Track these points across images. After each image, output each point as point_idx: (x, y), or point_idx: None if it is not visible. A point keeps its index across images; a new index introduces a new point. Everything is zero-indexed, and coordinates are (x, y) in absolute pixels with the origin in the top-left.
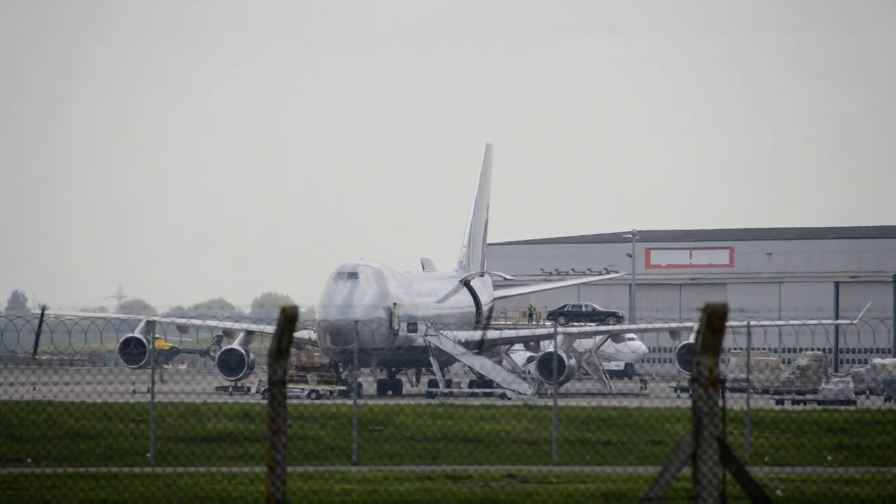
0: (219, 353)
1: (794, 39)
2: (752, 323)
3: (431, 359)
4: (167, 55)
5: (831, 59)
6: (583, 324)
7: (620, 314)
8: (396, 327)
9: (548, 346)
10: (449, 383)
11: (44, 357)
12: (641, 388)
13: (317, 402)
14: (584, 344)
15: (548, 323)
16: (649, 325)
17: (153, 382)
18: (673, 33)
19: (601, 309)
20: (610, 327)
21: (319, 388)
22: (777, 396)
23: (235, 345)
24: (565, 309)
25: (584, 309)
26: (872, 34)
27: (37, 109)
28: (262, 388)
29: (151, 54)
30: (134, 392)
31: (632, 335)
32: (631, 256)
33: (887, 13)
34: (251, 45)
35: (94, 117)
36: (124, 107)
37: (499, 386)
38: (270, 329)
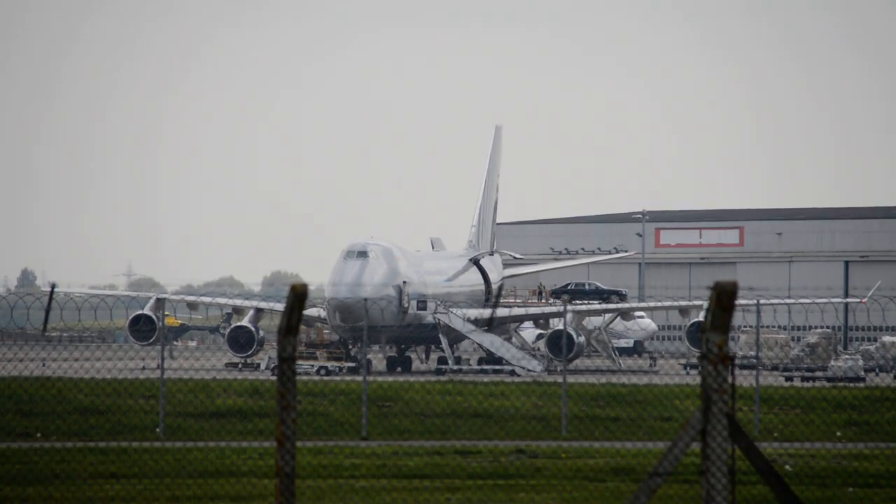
0: (228, 331)
1: (804, 18)
2: (762, 301)
3: (441, 336)
4: (173, 26)
5: (837, 37)
6: (586, 302)
7: (624, 292)
8: (406, 305)
9: (557, 324)
10: (458, 360)
11: (53, 334)
12: (651, 365)
13: (326, 378)
14: (593, 322)
15: (551, 301)
16: (659, 303)
17: (163, 359)
18: (684, 11)
19: (604, 287)
20: (619, 305)
21: (329, 364)
22: (786, 373)
23: (245, 322)
24: (568, 287)
25: (587, 287)
26: (876, 10)
27: (44, 88)
28: (272, 365)
29: (156, 27)
30: (143, 368)
31: (641, 313)
32: (641, 236)
33: None
34: (262, 19)
35: (103, 96)
36: (133, 85)
37: (508, 363)
38: (280, 307)
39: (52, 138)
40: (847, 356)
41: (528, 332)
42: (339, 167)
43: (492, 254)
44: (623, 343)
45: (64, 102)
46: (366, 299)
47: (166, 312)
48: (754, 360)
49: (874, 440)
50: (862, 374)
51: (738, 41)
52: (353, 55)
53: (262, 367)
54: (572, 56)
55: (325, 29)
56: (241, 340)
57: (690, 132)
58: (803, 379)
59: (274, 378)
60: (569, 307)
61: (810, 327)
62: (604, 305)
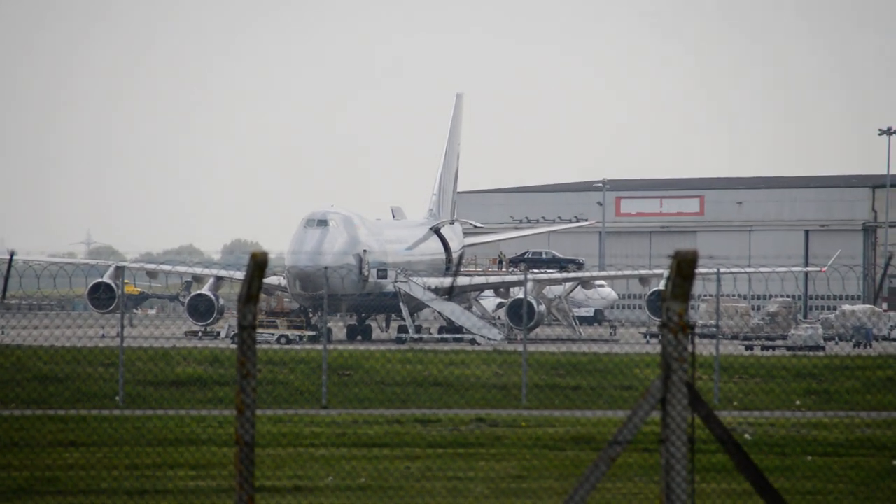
0: (188, 299)
1: None
2: (722, 270)
3: (401, 305)
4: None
5: (794, 8)
6: (545, 270)
7: (581, 261)
8: (366, 274)
9: (517, 293)
10: (419, 329)
11: (12, 302)
12: (611, 333)
13: (286, 346)
14: (553, 290)
15: (510, 270)
16: (619, 272)
17: (122, 327)
18: None
19: (562, 256)
20: (580, 274)
21: (289, 333)
22: (746, 342)
23: (205, 290)
24: (525, 256)
25: (544, 256)
26: None
27: (2, 53)
28: (232, 333)
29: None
30: (103, 336)
31: (602, 282)
32: (601, 205)
33: None
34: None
35: (61, 61)
36: (92, 51)
37: (468, 332)
38: (240, 275)
39: (8, 106)
40: (807, 325)
41: (489, 300)
42: (300, 135)
43: (452, 222)
44: (583, 312)
45: (23, 70)
46: (326, 268)
47: (126, 281)
48: (714, 329)
49: (833, 409)
50: (822, 342)
51: (701, 11)
52: (312, 24)
53: (222, 335)
54: (534, 25)
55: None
56: (201, 309)
57: (651, 101)
58: (763, 348)
59: (234, 346)
60: (529, 276)
61: (770, 296)
62: (564, 274)
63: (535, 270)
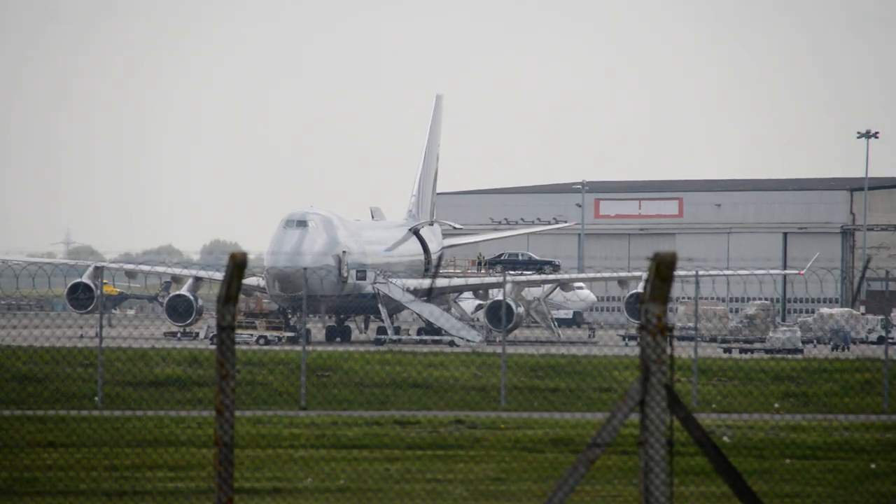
0: (167, 299)
1: None
2: (701, 272)
3: (380, 306)
4: None
5: (781, 6)
6: (520, 272)
7: (557, 263)
8: (345, 275)
9: (496, 295)
10: (397, 330)
11: None
12: (590, 335)
13: (265, 347)
14: (532, 292)
15: (483, 270)
16: (598, 274)
17: (101, 327)
18: None
19: (537, 257)
20: (559, 276)
21: (268, 334)
22: (725, 345)
23: (184, 290)
24: (502, 257)
25: (520, 258)
26: None
27: None
28: (211, 334)
29: None
30: (82, 337)
31: (580, 284)
32: (580, 206)
33: None
34: None
35: (42, 61)
36: (75, 51)
37: (447, 333)
38: (219, 275)
39: None
40: (785, 328)
41: (468, 302)
42: (279, 136)
43: (431, 224)
44: (562, 314)
45: (2, 70)
46: (305, 269)
47: (105, 281)
48: (693, 332)
49: (811, 412)
50: (800, 345)
51: (677, 11)
52: (292, 24)
53: (201, 335)
54: (513, 26)
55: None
56: (180, 309)
57: (630, 103)
58: (741, 350)
59: (213, 347)
60: (508, 277)
61: (749, 299)
62: (543, 276)
63: (512, 272)
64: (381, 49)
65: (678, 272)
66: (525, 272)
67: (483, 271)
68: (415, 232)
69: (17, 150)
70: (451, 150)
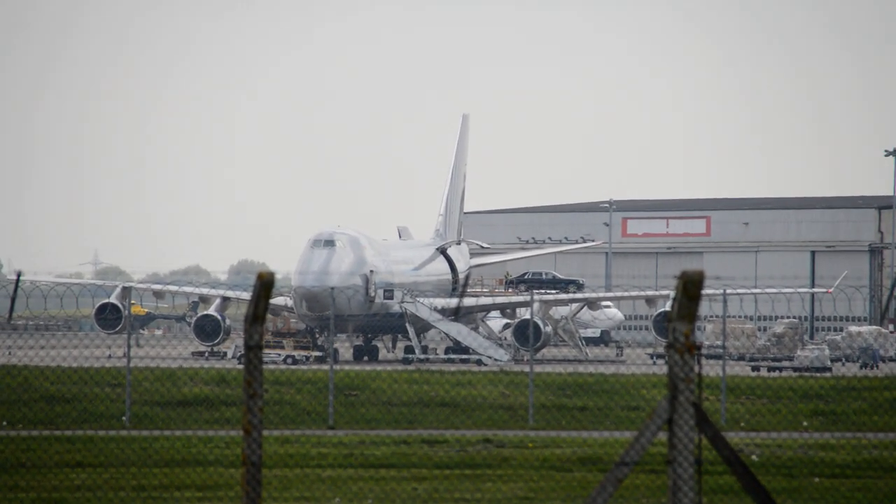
0: (195, 319)
1: (766, 7)
2: (728, 291)
3: (407, 325)
4: (145, 16)
5: (806, 25)
6: (544, 291)
7: (581, 282)
8: (373, 294)
9: (524, 314)
10: (425, 349)
11: (19, 322)
12: (617, 354)
13: (293, 367)
14: (560, 311)
15: (508, 290)
16: (625, 293)
17: (129, 347)
18: (650, 3)
19: (561, 276)
20: (586, 295)
21: (295, 353)
22: (753, 363)
23: (211, 311)
24: (525, 276)
25: (544, 276)
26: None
27: (12, 75)
28: (238, 354)
29: (129, 17)
30: (110, 357)
31: (608, 303)
32: (608, 225)
33: None
34: (227, 6)
35: (70, 82)
36: (100, 72)
37: (475, 352)
38: (246, 295)
39: (18, 127)
40: (813, 346)
41: (495, 321)
42: (306, 155)
43: (459, 243)
44: (590, 333)
45: (29, 90)
46: (332, 288)
47: (132, 301)
48: (721, 350)
49: (840, 430)
50: (828, 363)
51: (706, 30)
52: (319, 44)
53: (229, 355)
54: (540, 45)
55: (291, 17)
56: (208, 329)
57: (658, 121)
58: (770, 369)
59: (240, 366)
60: (535, 296)
61: (777, 317)
62: (570, 295)
63: (536, 291)
64: (410, 68)
65: (706, 291)
66: (549, 291)
67: (510, 290)
68: (442, 251)
69: (45, 171)
70: (478, 169)
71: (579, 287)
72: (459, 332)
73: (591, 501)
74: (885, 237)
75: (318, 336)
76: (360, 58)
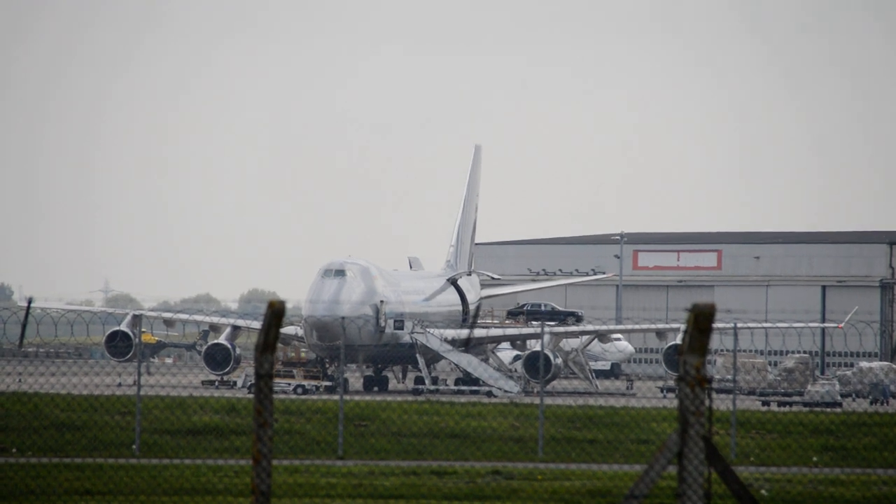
0: (205, 348)
1: (778, 42)
2: (739, 324)
3: (418, 356)
4: (153, 41)
5: (816, 62)
6: (542, 323)
7: (580, 314)
8: (383, 324)
9: (534, 345)
10: (435, 380)
11: (30, 349)
12: (628, 387)
13: (303, 396)
14: (570, 343)
15: (507, 322)
16: (636, 326)
17: (139, 375)
18: (662, 34)
19: (560, 308)
20: (597, 327)
21: (306, 383)
22: (763, 398)
23: (222, 339)
24: (524, 308)
25: (543, 308)
26: (859, 38)
27: (18, 101)
28: (249, 383)
29: (135, 41)
30: (120, 385)
31: (618, 335)
32: (618, 258)
33: (870, 17)
34: (238, 29)
35: (77, 110)
36: (107, 99)
37: (485, 383)
38: (257, 324)
39: (29, 153)
40: (824, 381)
41: (506, 353)
42: (317, 185)
43: (469, 274)
44: (600, 365)
45: (36, 116)
46: (343, 318)
47: (143, 329)
48: (731, 384)
49: (850, 465)
50: (839, 398)
51: (721, 64)
52: (331, 72)
53: (239, 384)
54: (553, 77)
55: (303, 46)
56: (218, 358)
57: (669, 155)
58: (780, 403)
59: (250, 395)
60: (546, 329)
61: (787, 351)
62: (581, 328)
63: (535, 323)
64: (423, 98)
65: (716, 324)
66: (548, 322)
67: (509, 322)
68: (453, 282)
69: (55, 199)
70: (489, 201)
71: (578, 319)
72: (469, 363)
73: None
74: None
75: (328, 366)
76: (372, 88)
